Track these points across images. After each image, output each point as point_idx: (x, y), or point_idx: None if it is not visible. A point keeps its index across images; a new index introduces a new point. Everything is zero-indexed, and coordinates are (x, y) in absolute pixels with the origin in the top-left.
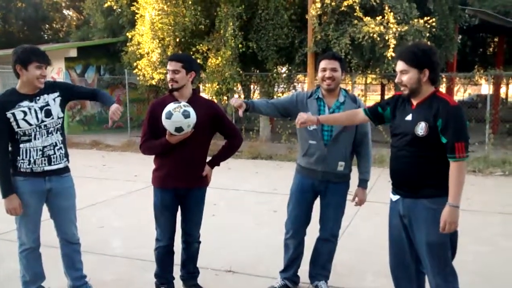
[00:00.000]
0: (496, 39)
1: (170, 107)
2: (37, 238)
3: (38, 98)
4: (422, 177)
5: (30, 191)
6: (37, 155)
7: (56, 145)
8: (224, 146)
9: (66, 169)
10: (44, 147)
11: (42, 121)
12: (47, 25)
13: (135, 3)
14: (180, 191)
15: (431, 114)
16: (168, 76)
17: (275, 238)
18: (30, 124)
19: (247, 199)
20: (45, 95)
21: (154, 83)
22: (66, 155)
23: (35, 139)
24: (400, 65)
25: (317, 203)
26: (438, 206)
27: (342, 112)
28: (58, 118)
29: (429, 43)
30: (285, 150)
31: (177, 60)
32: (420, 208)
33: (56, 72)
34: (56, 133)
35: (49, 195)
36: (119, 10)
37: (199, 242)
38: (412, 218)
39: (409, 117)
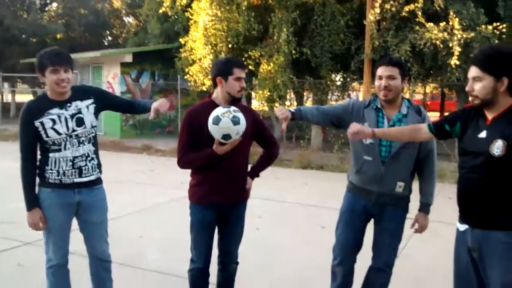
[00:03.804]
0: None
1: (218, 111)
2: (65, 253)
3: (69, 104)
4: (497, 205)
5: (58, 203)
6: (67, 166)
7: (88, 155)
8: (262, 156)
9: (98, 181)
10: (74, 157)
11: (73, 130)
12: (107, 31)
13: (189, 9)
14: (223, 208)
15: (510, 130)
16: (239, 85)
17: (323, 258)
18: (59, 134)
19: (294, 212)
20: (78, 102)
21: (205, 89)
22: (99, 166)
23: (65, 149)
24: (473, 71)
25: (370, 226)
26: None
27: (403, 126)
28: (92, 127)
29: None
30: (337, 161)
31: (246, 67)
32: (493, 241)
33: (112, 77)
34: (88, 143)
35: (79, 209)
36: (175, 16)
37: (237, 263)
38: (483, 253)
39: (482, 134)
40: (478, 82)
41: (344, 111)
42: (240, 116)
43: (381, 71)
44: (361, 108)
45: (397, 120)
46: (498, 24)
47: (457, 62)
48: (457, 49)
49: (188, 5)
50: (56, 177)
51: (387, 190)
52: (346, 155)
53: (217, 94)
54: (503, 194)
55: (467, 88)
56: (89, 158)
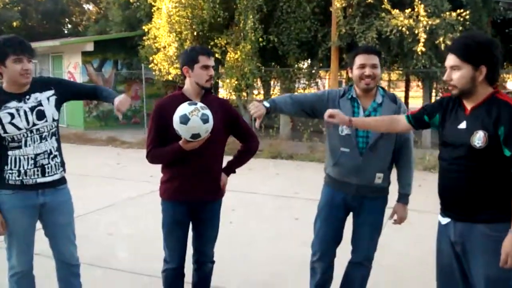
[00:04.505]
0: None
1: (185, 109)
2: (29, 260)
3: (28, 97)
4: (479, 197)
5: (20, 206)
6: (28, 165)
7: (50, 153)
8: (240, 151)
9: (62, 180)
10: (36, 155)
11: (34, 124)
12: (66, 19)
13: None
14: (194, 205)
15: (490, 120)
16: (207, 73)
17: (298, 251)
18: (19, 129)
19: (267, 204)
20: (37, 94)
21: (170, 78)
22: (62, 164)
23: (25, 145)
24: (451, 60)
25: (348, 219)
26: (500, 233)
27: (380, 116)
28: (53, 120)
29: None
30: (307, 149)
31: (213, 54)
32: (476, 234)
33: (73, 66)
34: (51, 138)
35: (43, 211)
36: (137, 3)
37: (213, 262)
38: (466, 247)
39: (462, 125)
40: (456, 71)
41: (319, 100)
42: (209, 113)
43: (363, 59)
44: (336, 98)
45: (373, 109)
46: (461, 11)
47: (423, 49)
48: (422, 36)
49: None
50: (17, 178)
51: (366, 182)
52: (315, 143)
53: (187, 86)
54: (485, 186)
55: (445, 77)
56: (52, 156)
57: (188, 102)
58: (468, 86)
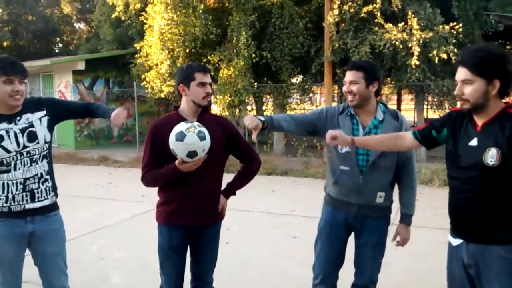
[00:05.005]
0: None
1: (182, 127)
2: None
3: (18, 118)
4: (492, 218)
5: (7, 235)
6: (17, 190)
7: (41, 176)
8: (240, 172)
9: (53, 207)
10: (26, 179)
11: (25, 147)
12: (57, 38)
13: (143, 13)
14: (192, 229)
15: (504, 137)
16: (204, 91)
17: (296, 270)
18: (9, 151)
19: (263, 222)
20: (28, 114)
21: (163, 96)
22: (54, 188)
23: (15, 169)
24: (462, 73)
25: (350, 240)
26: None
27: (383, 134)
28: (45, 142)
29: (455, 50)
30: (301, 165)
31: (209, 71)
32: (491, 257)
33: (64, 85)
34: (42, 161)
35: (32, 239)
36: (129, 21)
37: None
38: (480, 269)
39: (473, 142)
40: (468, 85)
41: (318, 119)
42: (205, 131)
43: (346, 76)
44: (335, 115)
45: (373, 126)
46: (454, 24)
47: (417, 62)
48: (416, 49)
49: (142, 9)
50: (4, 204)
51: (367, 202)
52: (309, 159)
53: (183, 105)
54: (499, 206)
55: (456, 92)
56: (42, 180)
57: (184, 121)
58: (480, 100)
